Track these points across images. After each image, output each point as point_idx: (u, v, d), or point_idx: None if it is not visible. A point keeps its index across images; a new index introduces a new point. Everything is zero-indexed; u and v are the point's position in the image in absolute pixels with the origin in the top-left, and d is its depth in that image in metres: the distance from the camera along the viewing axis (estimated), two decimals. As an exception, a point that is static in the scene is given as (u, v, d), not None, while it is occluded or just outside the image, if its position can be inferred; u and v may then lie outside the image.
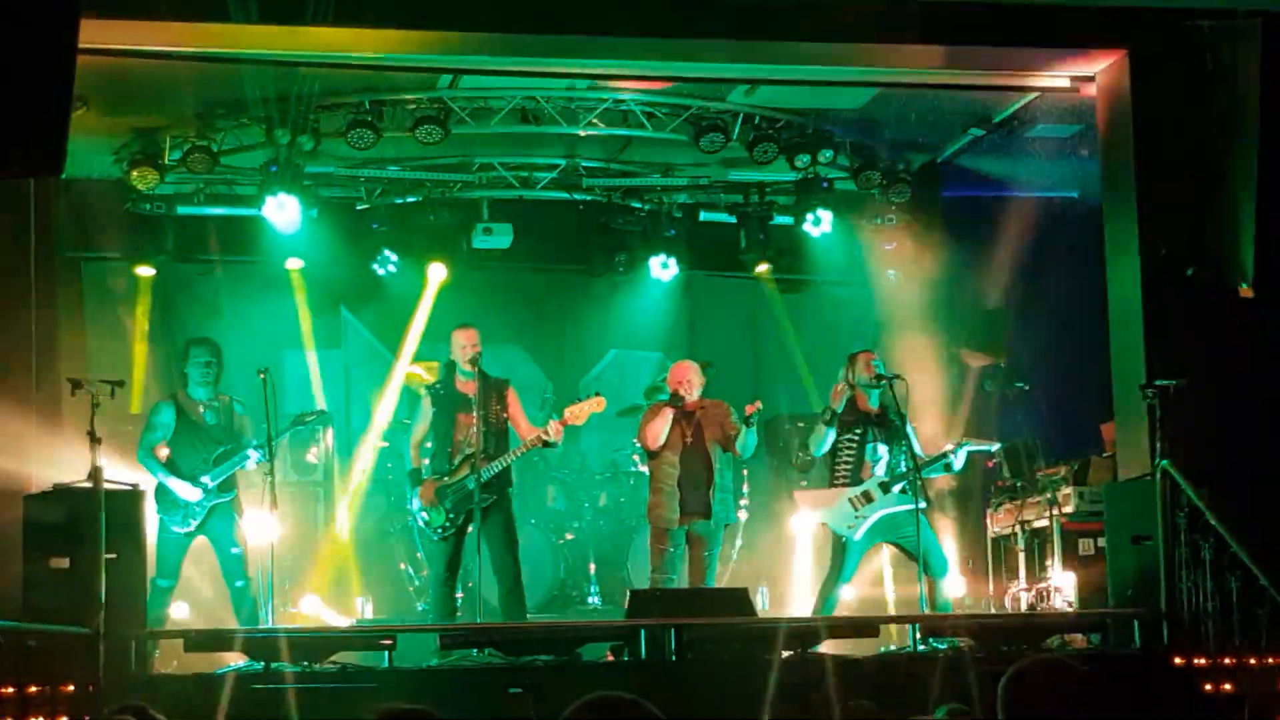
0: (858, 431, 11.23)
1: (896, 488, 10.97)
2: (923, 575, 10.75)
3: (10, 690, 7.91)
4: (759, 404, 11.16)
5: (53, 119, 6.88)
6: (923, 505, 10.68)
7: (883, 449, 11.16)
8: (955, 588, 11.42)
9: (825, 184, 13.99)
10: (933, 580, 10.83)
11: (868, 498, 11.03)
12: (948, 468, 11.41)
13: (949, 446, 11.36)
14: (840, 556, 11.17)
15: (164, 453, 11.04)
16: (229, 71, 11.40)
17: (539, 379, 14.95)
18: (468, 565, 10.93)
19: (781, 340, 15.56)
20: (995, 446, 11.80)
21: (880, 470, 11.10)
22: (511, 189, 14.36)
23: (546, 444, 11.02)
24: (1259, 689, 9.17)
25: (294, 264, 14.18)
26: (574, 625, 11.51)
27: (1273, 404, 10.57)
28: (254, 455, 10.93)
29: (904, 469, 10.95)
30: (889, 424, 11.15)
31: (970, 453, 11.45)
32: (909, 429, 11.13)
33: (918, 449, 11.11)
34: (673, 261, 15.06)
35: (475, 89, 12.69)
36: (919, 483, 10.75)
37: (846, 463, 11.22)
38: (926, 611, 10.64)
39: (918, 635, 10.12)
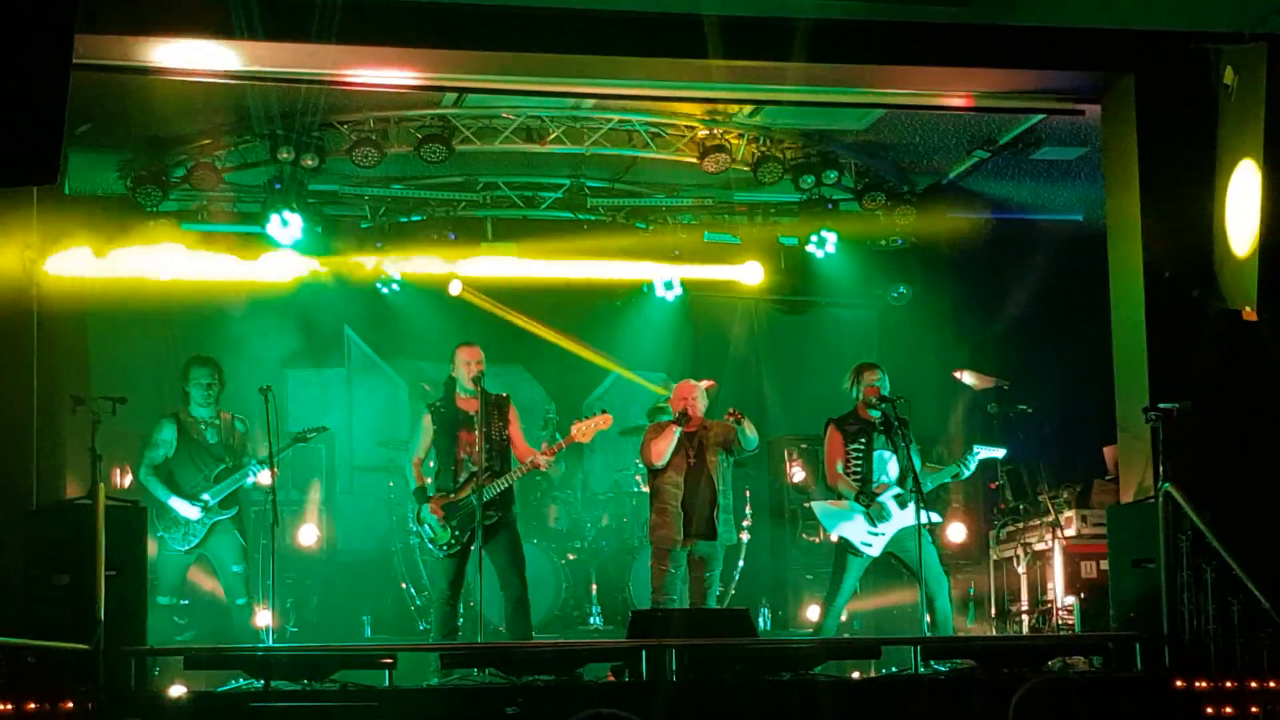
0: (862, 440, 11.26)
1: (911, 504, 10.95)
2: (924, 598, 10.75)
3: (9, 707, 7.89)
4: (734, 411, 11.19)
5: (48, 127, 6.86)
6: (937, 520, 10.64)
7: (890, 457, 11.16)
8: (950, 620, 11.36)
9: (830, 205, 13.99)
10: (931, 598, 10.81)
11: (884, 513, 11.02)
12: (956, 476, 11.50)
13: (964, 455, 11.41)
14: (842, 571, 11.16)
15: (165, 471, 11.07)
16: (234, 89, 11.39)
17: (541, 399, 14.93)
18: (470, 584, 10.90)
19: (785, 361, 15.53)
20: (1003, 452, 11.82)
21: (890, 477, 11.10)
22: (516, 208, 14.36)
23: (538, 466, 11.02)
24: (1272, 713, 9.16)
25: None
26: (575, 645, 11.47)
27: (1276, 427, 10.53)
28: (256, 473, 10.94)
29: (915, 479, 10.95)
30: (891, 429, 11.13)
31: (982, 460, 11.48)
32: (913, 448, 11.12)
33: (918, 464, 11.10)
34: (676, 282, 15.07)
35: (480, 108, 12.70)
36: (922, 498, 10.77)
37: (855, 473, 11.23)
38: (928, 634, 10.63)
39: (919, 657, 10.09)
